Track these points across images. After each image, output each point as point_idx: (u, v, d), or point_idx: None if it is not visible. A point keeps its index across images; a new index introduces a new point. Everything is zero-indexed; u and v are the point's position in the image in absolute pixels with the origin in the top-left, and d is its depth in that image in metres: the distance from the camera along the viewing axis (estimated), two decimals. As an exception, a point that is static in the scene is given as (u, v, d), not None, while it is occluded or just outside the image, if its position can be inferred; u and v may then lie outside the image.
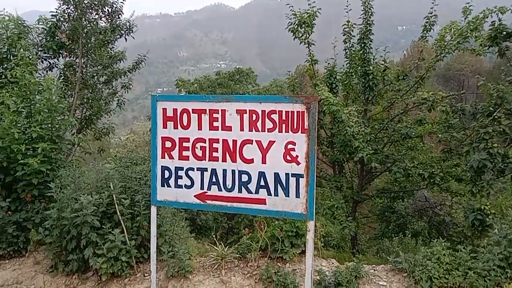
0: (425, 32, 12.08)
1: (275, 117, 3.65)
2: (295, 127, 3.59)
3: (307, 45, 12.99)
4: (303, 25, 12.46)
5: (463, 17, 10.86)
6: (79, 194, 4.70)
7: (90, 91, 9.27)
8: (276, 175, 3.71)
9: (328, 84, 13.55)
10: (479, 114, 9.56)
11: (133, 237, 4.85)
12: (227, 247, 4.98)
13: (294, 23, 12.47)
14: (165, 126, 4.07)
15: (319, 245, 5.09)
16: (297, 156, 3.61)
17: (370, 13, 12.61)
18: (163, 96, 4.15)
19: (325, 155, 14.43)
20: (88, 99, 9.27)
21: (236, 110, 3.77)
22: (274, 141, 3.69)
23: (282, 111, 3.62)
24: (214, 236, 5.43)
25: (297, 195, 3.64)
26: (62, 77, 8.82)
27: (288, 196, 3.68)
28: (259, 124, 3.72)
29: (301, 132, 3.57)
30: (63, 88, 8.06)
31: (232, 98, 3.80)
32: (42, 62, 8.69)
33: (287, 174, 3.67)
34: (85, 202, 4.51)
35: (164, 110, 4.06)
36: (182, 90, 30.98)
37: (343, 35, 13.09)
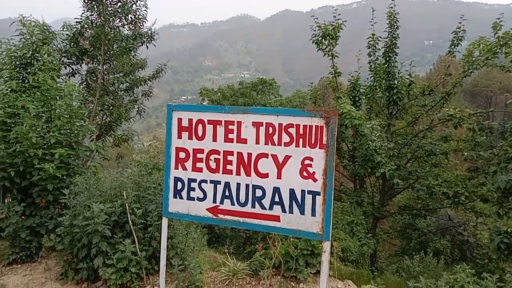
0: (452, 47, 11.80)
1: (292, 131, 3.50)
2: (313, 142, 3.43)
3: (330, 57, 12.88)
4: (328, 37, 12.37)
5: (492, 32, 10.54)
6: (92, 202, 4.64)
7: (111, 97, 9.35)
8: (292, 192, 3.55)
9: (351, 97, 13.38)
10: (507, 132, 9.19)
11: (145, 248, 4.75)
12: (239, 262, 4.82)
13: (318, 35, 12.40)
14: (179, 136, 3.98)
15: (335, 265, 4.88)
16: (314, 172, 3.45)
17: (395, 26, 12.42)
18: (179, 105, 4.06)
19: (346, 169, 14.18)
20: (109, 105, 9.35)
21: (252, 122, 3.64)
22: (291, 156, 3.53)
23: (300, 125, 3.47)
24: (228, 248, 5.29)
25: (313, 214, 3.47)
26: (84, 83, 8.92)
27: (304, 214, 3.51)
28: (275, 138, 3.57)
29: (319, 148, 3.41)
30: (84, 94, 8.14)
31: (249, 110, 3.68)
32: (65, 67, 8.83)
33: (303, 191, 3.50)
34: (96, 211, 4.45)
35: (180, 120, 3.97)
36: (205, 98, 31.25)
37: (368, 48, 12.92)
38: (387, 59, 12.48)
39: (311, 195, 3.48)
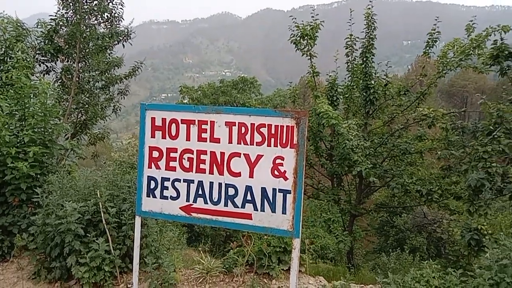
0: (427, 48, 12.06)
1: (264, 130, 3.57)
2: (284, 141, 3.51)
3: (309, 57, 12.99)
4: (306, 37, 12.48)
5: (466, 34, 10.82)
6: (65, 201, 4.61)
7: (87, 95, 9.24)
8: (263, 190, 3.62)
9: (329, 97, 13.52)
10: (479, 132, 9.46)
11: (118, 247, 4.75)
12: (214, 260, 4.88)
13: (297, 35, 12.49)
14: (153, 136, 4.00)
15: (307, 261, 4.98)
16: (285, 171, 3.53)
17: (372, 27, 12.59)
18: (153, 104, 4.08)
19: (324, 168, 14.34)
20: (84, 104, 9.24)
21: (225, 122, 3.69)
22: (262, 155, 3.60)
23: (271, 125, 3.54)
24: (204, 247, 5.33)
25: (284, 211, 3.55)
26: (59, 81, 8.80)
27: (275, 212, 3.59)
28: (248, 137, 3.64)
29: (290, 147, 3.49)
30: (60, 92, 8.03)
31: (222, 110, 3.73)
32: (40, 65, 8.69)
33: (274, 190, 3.58)
34: (69, 210, 4.43)
35: (153, 119, 3.99)
36: (186, 96, 31.08)
37: (346, 49, 13.09)
38: (364, 59, 12.66)
39: (282, 194, 3.56)
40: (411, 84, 12.62)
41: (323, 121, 10.95)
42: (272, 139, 3.55)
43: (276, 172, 3.56)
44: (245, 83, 30.98)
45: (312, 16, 12.53)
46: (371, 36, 12.64)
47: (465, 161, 9.56)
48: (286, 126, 3.49)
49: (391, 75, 13.37)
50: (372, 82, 12.59)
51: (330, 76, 13.70)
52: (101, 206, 4.70)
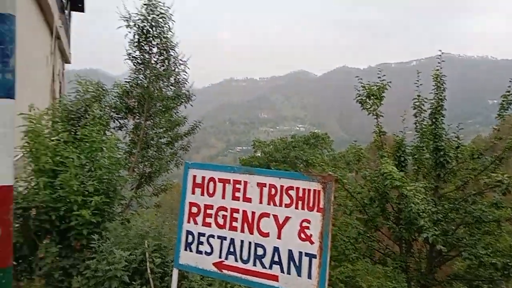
0: (502, 110, 11.45)
1: (292, 193, 3.67)
2: (311, 205, 3.57)
3: (375, 117, 12.93)
4: (372, 97, 12.52)
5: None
6: (115, 248, 4.97)
7: (155, 150, 10.06)
8: (290, 252, 3.65)
9: (396, 157, 13.17)
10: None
11: (160, 297, 4.95)
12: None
13: (363, 95, 12.59)
14: (193, 192, 4.26)
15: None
16: (311, 235, 3.55)
17: (442, 88, 12.32)
18: (195, 163, 4.38)
19: (391, 231, 13.67)
20: (149, 157, 10.03)
21: (257, 182, 3.86)
22: (290, 217, 3.68)
23: (299, 188, 3.64)
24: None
25: (309, 276, 3.53)
26: (130, 137, 9.74)
27: (300, 276, 3.58)
28: (277, 199, 3.75)
29: (317, 211, 3.53)
30: (130, 146, 8.84)
31: (254, 171, 3.91)
32: (114, 121, 9.71)
33: (300, 253, 3.60)
34: (118, 257, 4.77)
35: (194, 177, 4.27)
36: (258, 150, 31.88)
37: (413, 109, 12.86)
38: (434, 120, 12.31)
39: (308, 258, 3.56)
40: (485, 147, 11.91)
41: (386, 182, 10.65)
42: (300, 202, 3.63)
43: (302, 235, 3.59)
44: (317, 139, 31.15)
45: (379, 77, 12.63)
46: (440, 97, 12.34)
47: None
48: (313, 190, 3.56)
49: (474, 135, 12.76)
50: (443, 143, 12.11)
51: (397, 136, 13.42)
52: (147, 256, 4.99)
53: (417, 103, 12.75)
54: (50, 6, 10.95)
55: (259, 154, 31.24)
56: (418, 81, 12.54)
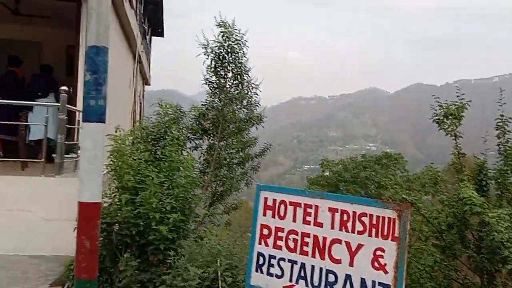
0: None
1: (365, 220, 3.60)
2: (385, 233, 3.47)
3: (453, 138, 12.26)
4: (450, 117, 11.90)
5: None
6: (190, 265, 5.18)
7: (227, 169, 10.43)
8: (363, 281, 3.56)
9: (477, 181, 12.34)
10: None
11: (231, 316, 5.05)
12: None
13: (440, 114, 12.02)
14: (264, 214, 4.34)
15: None
16: (385, 264, 3.44)
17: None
18: (266, 186, 4.46)
19: (471, 261, 12.71)
20: (222, 177, 10.40)
21: (329, 207, 3.84)
22: (363, 245, 3.60)
23: (373, 215, 3.56)
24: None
25: (383, 307, 3.42)
26: (204, 157, 10.21)
27: (374, 306, 3.48)
28: (349, 225, 3.70)
29: (391, 240, 3.43)
30: (204, 165, 9.25)
31: (326, 196, 3.90)
32: (190, 142, 10.25)
33: (373, 282, 3.49)
34: (192, 274, 4.96)
35: (266, 199, 4.35)
36: (326, 169, 31.38)
37: (496, 129, 12.01)
38: (519, 142, 11.39)
39: (381, 287, 3.46)
40: None
41: (465, 208, 10.00)
42: (373, 230, 3.55)
43: (376, 264, 3.49)
44: (389, 158, 29.95)
45: (458, 96, 11.99)
46: (524, 118, 11.42)
47: None
48: (388, 217, 3.47)
49: None
50: (530, 167, 11.14)
51: (478, 158, 12.57)
52: (219, 275, 5.13)
53: (500, 123, 11.89)
54: (135, 34, 11.93)
55: (328, 174, 30.69)
56: (501, 99, 11.72)
